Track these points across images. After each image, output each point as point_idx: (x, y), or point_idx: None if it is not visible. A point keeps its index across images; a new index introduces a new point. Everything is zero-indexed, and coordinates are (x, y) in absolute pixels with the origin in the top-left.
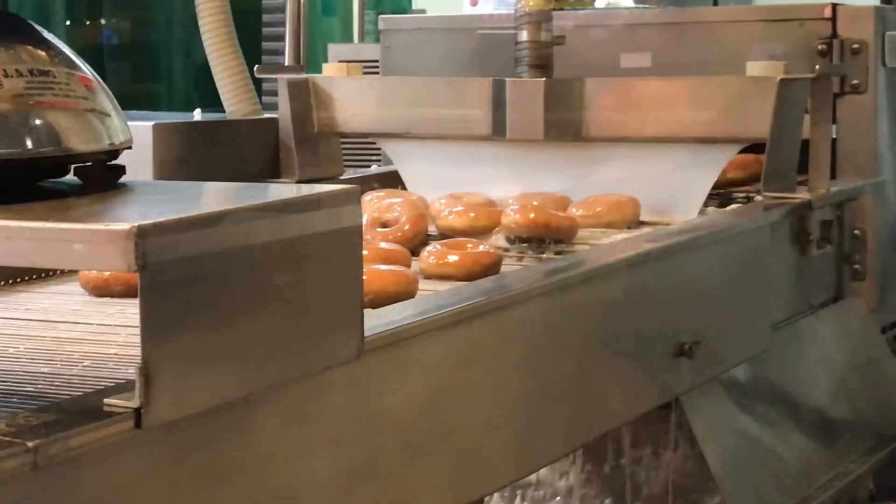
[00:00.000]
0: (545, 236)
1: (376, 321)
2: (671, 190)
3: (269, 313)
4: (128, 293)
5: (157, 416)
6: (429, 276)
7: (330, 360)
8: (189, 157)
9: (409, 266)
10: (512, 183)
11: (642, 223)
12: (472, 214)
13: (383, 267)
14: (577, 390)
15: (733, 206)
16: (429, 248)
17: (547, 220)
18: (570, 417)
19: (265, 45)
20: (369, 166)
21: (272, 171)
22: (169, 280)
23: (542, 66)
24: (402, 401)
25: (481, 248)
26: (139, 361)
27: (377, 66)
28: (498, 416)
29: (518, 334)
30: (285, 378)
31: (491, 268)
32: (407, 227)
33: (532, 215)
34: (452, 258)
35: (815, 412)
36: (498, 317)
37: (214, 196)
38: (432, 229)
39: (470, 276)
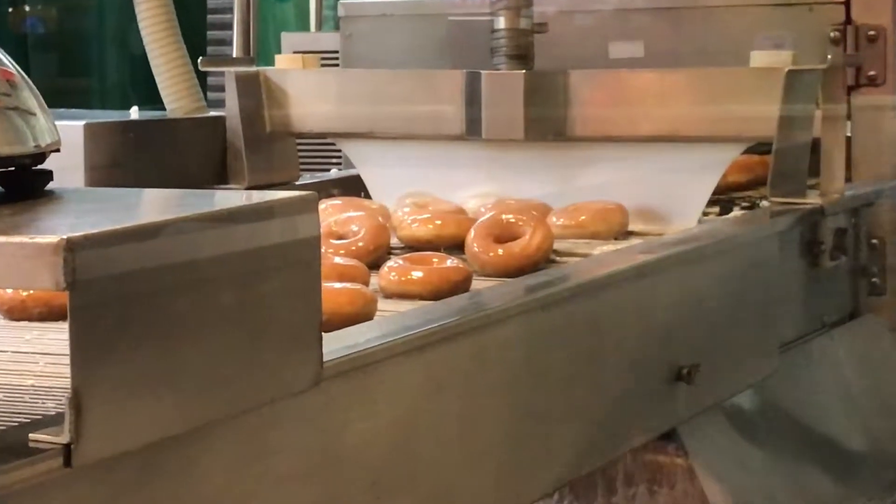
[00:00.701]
0: (517, 275)
1: (336, 345)
2: (667, 196)
3: (215, 336)
4: (48, 316)
5: (90, 453)
6: (389, 295)
7: (285, 389)
8: (125, 160)
9: (366, 283)
10: (488, 188)
11: (630, 233)
12: (438, 222)
13: (337, 285)
14: (562, 421)
15: (736, 213)
16: (389, 262)
17: (521, 266)
18: (555, 451)
19: (210, 34)
20: (328, 170)
21: (219, 176)
22: (102, 299)
23: (522, 56)
24: (367, 434)
25: (449, 262)
26: (68, 391)
27: (337, 58)
28: (474, 451)
29: (496, 358)
30: (234, 409)
31: (460, 285)
32: (364, 240)
33: (500, 252)
34: (416, 274)
35: (828, 443)
36: (473, 339)
37: (154, 204)
38: (395, 241)
39: (436, 295)
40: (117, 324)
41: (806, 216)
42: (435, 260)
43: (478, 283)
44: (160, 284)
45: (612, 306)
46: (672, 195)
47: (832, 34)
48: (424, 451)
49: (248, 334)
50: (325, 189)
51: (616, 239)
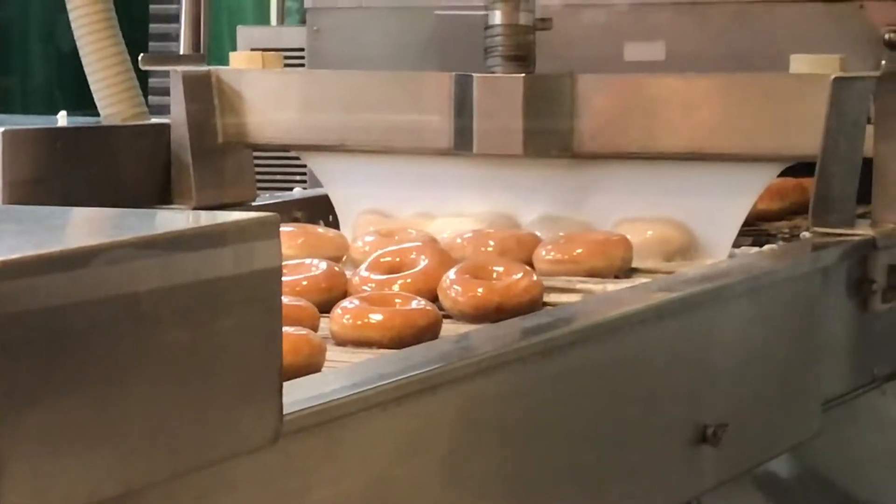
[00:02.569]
0: (498, 319)
1: (298, 395)
2: (690, 224)
3: (157, 383)
4: None
5: None
6: (342, 342)
7: (238, 446)
8: (51, 174)
9: (315, 328)
10: (479, 211)
11: (634, 270)
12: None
13: None
14: (563, 488)
15: (772, 245)
16: (343, 303)
17: (500, 303)
18: None
19: (153, 27)
20: (290, 189)
21: (162, 194)
22: (23, 338)
23: (521, 57)
24: (333, 500)
25: (414, 303)
26: None
27: (302, 57)
28: None
29: (486, 414)
30: (178, 469)
31: (427, 330)
32: (313, 278)
33: (480, 291)
34: (375, 317)
35: None
36: (460, 390)
37: (85, 226)
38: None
39: (398, 342)
40: (41, 368)
41: (854, 250)
42: (398, 301)
43: (449, 329)
44: (92, 321)
45: (625, 354)
46: (697, 224)
47: (887, 36)
48: None
49: (196, 381)
50: (287, 211)
51: (617, 277)
